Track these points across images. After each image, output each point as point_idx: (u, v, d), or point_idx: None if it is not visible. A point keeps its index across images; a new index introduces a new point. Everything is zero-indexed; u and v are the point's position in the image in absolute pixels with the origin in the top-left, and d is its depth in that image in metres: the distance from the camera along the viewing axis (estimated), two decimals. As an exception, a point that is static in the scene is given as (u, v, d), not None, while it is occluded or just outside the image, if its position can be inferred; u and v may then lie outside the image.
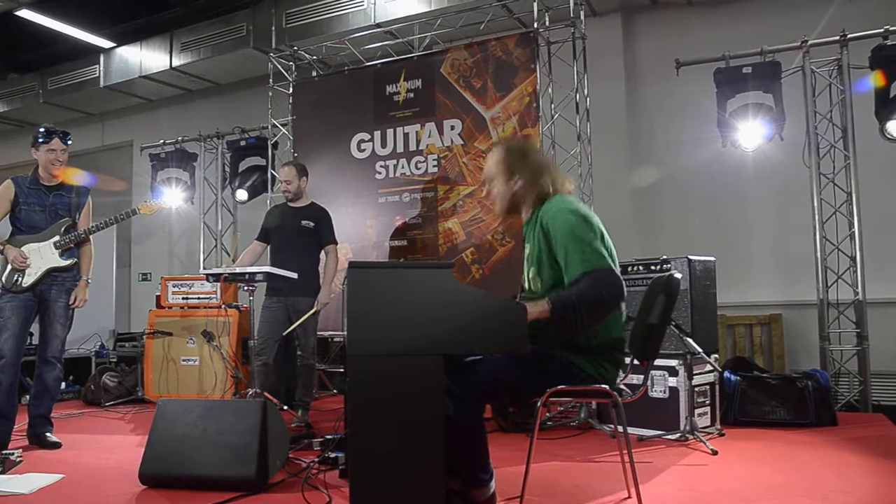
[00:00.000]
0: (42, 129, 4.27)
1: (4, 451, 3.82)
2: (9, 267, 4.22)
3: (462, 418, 2.30)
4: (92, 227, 4.38)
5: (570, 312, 2.30)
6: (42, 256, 4.26)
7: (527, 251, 2.70)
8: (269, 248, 5.08)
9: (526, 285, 2.71)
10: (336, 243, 5.03)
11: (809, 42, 5.26)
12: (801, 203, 5.52)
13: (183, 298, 6.16)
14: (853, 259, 5.25)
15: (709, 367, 4.32)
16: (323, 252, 5.03)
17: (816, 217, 5.33)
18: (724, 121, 5.33)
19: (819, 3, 5.83)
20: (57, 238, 4.29)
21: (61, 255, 4.30)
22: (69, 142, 4.36)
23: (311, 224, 4.93)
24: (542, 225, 2.52)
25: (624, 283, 2.43)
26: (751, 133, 5.27)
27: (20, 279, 4.20)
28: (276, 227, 4.97)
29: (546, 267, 2.53)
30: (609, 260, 2.41)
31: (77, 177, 4.54)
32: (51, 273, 4.27)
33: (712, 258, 4.57)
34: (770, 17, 6.13)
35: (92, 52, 8.64)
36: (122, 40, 8.44)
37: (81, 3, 7.42)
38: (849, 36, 5.16)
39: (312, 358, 4.90)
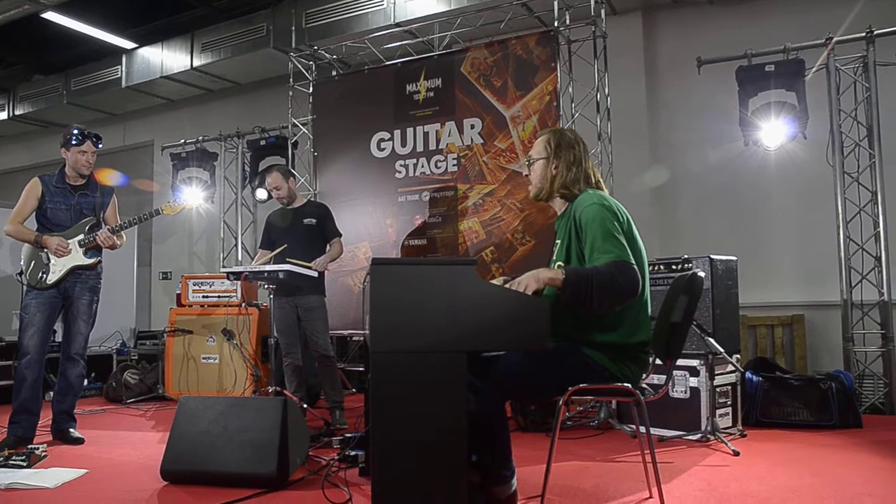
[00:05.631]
0: (75, 131, 4.30)
1: (30, 446, 3.87)
2: (33, 264, 4.28)
3: (484, 413, 2.29)
4: (116, 226, 4.43)
5: (583, 287, 2.30)
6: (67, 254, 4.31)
7: (556, 245, 2.70)
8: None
9: None
10: (340, 235, 5.01)
11: (835, 39, 5.19)
12: (824, 202, 5.45)
13: (203, 297, 6.20)
14: (878, 259, 5.18)
15: (730, 368, 4.28)
16: (328, 245, 5.03)
17: (840, 217, 5.27)
18: (746, 119, 5.28)
19: (844, -1, 5.76)
20: (81, 236, 4.34)
21: (85, 254, 4.35)
22: (100, 145, 4.41)
23: (314, 221, 4.92)
24: (575, 218, 2.54)
25: (641, 281, 2.41)
26: (773, 132, 5.22)
27: (45, 277, 4.25)
28: (281, 230, 4.94)
29: (573, 259, 2.53)
30: (630, 255, 2.40)
31: (110, 177, 4.58)
32: (75, 271, 4.32)
33: (734, 257, 4.52)
34: (793, 15, 6.05)
35: (114, 53, 8.74)
36: (143, 41, 8.53)
37: (104, 5, 7.50)
38: (875, 32, 5.10)
39: (330, 353, 4.89)
